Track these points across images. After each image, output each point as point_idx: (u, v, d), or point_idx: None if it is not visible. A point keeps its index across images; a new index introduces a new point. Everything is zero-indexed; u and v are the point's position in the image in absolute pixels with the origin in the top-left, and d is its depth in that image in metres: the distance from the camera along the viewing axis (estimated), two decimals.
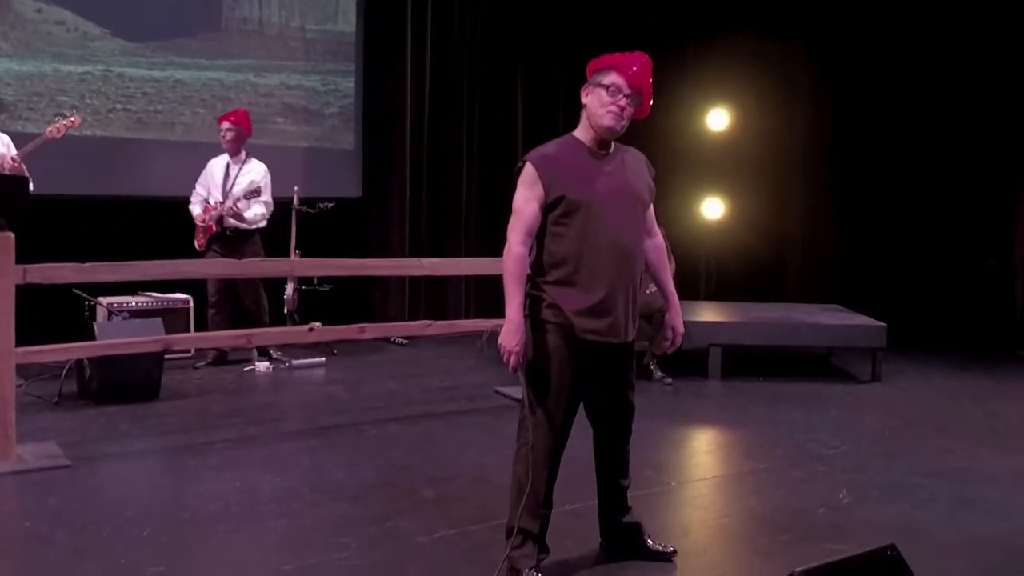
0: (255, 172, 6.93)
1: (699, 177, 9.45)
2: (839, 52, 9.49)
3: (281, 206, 7.54)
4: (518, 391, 5.86)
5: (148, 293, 7.06)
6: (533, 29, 8.84)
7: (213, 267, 5.19)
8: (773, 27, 9.22)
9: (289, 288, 7.49)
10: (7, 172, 5.89)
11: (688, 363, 7.15)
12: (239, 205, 6.72)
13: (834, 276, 9.60)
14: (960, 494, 4.48)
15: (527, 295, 3.30)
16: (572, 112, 9.16)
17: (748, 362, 7.38)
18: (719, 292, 9.58)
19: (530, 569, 3.28)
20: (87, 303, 6.78)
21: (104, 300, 6.84)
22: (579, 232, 3.23)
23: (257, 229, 6.93)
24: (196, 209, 6.90)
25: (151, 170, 7.41)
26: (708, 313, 7.58)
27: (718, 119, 9.37)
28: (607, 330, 3.27)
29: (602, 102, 3.25)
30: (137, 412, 5.65)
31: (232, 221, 6.78)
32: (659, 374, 6.83)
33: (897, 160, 9.51)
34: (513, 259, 3.26)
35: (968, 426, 5.83)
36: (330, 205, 7.77)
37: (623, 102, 3.26)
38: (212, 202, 6.86)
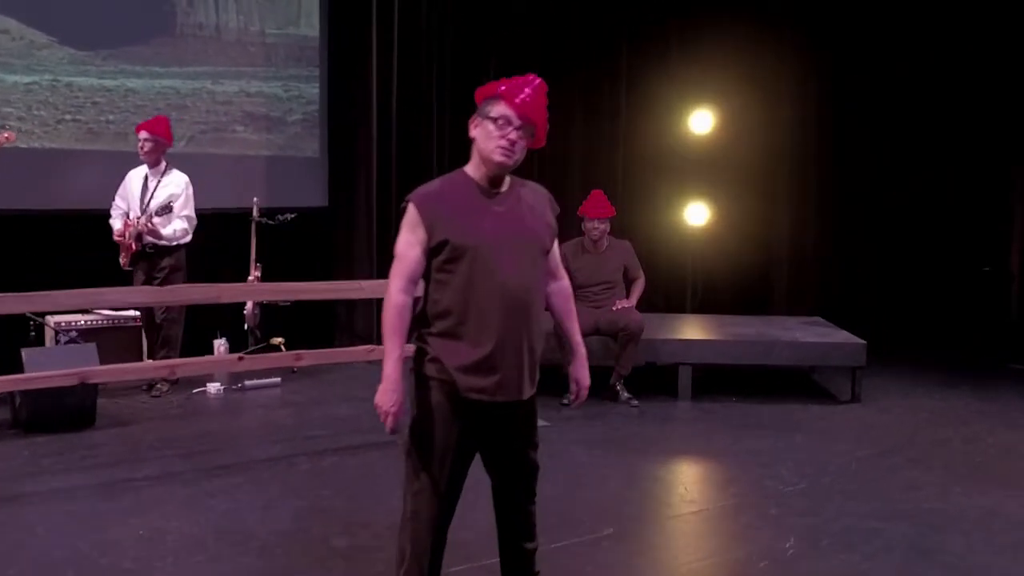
0: (174, 184, 6.56)
1: (681, 182, 9.10)
2: (831, 49, 9.12)
3: (241, 218, 7.29)
4: None
5: (100, 311, 6.81)
6: (505, 28, 8.51)
7: (134, 295, 4.92)
8: (761, 20, 8.85)
9: (249, 304, 7.23)
10: None
11: (659, 382, 6.85)
12: (155, 221, 6.39)
13: (822, 285, 9.26)
14: (919, 542, 4.15)
15: (416, 347, 3.01)
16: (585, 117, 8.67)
17: (724, 380, 7.06)
18: (703, 303, 9.25)
19: None
20: (32, 323, 6.56)
21: (52, 320, 6.61)
22: (464, 279, 2.92)
23: (180, 245, 6.61)
24: (117, 224, 6.52)
25: (104, 182, 7.13)
26: (680, 329, 7.26)
27: (702, 121, 9.01)
28: (494, 388, 2.95)
29: (490, 136, 2.93)
30: (66, 443, 5.40)
31: (151, 238, 6.47)
32: (625, 395, 6.52)
33: (891, 163, 9.14)
34: (391, 309, 2.95)
35: (944, 456, 5.49)
36: (291, 217, 7.50)
37: (513, 135, 2.94)
38: (132, 216, 6.49)
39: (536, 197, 3.13)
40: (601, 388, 6.54)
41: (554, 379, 6.55)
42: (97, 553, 3.90)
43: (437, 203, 2.96)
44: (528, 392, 3.03)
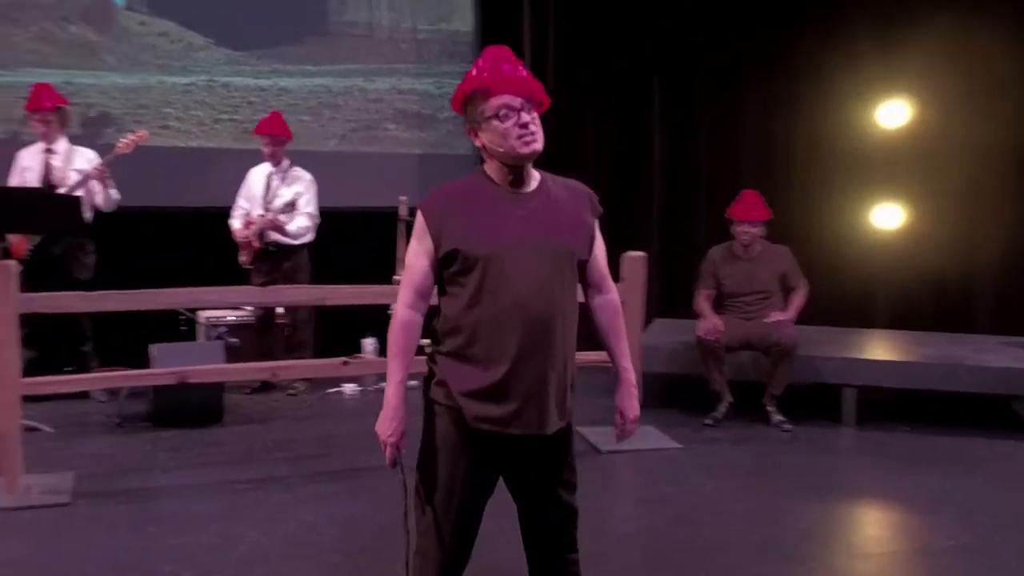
0: (299, 182, 6.52)
1: (867, 181, 8.18)
2: None
3: (388, 217, 7.17)
4: (598, 435, 5.14)
5: (247, 308, 6.86)
6: (668, 17, 7.96)
7: (234, 295, 4.83)
8: None
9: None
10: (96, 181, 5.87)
11: (819, 405, 6.12)
12: (281, 218, 6.33)
13: None
14: None
15: (427, 368, 2.64)
16: (713, 109, 8.15)
17: (898, 405, 6.23)
18: (892, 318, 8.27)
19: None
20: (183, 318, 6.70)
21: (203, 315, 6.72)
22: (474, 293, 2.51)
23: (303, 244, 6.52)
24: (236, 224, 6.48)
25: None
26: (846, 346, 6.44)
27: (894, 112, 8.05)
28: (508, 419, 2.52)
29: (503, 133, 2.50)
30: (187, 439, 5.42)
31: (274, 236, 6.40)
32: (777, 418, 5.86)
33: None
34: (394, 326, 2.61)
35: None
36: None
37: (525, 118, 2.51)
38: (255, 216, 6.45)
39: (572, 195, 2.68)
40: (752, 408, 5.92)
41: (697, 393, 6.03)
42: (163, 559, 3.78)
43: (447, 207, 2.57)
44: (554, 425, 2.58)
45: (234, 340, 6.63)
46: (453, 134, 7.86)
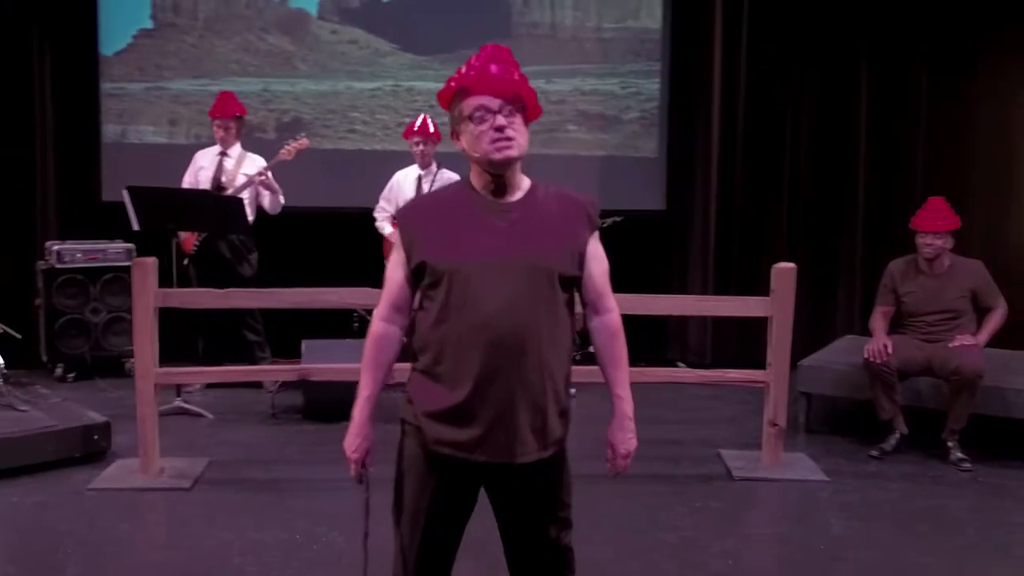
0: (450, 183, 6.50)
1: None
2: None
3: None
4: (737, 459, 4.76)
5: None
6: (876, 13, 7.24)
7: (351, 296, 4.88)
8: None
9: None
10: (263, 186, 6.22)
11: (1013, 443, 5.32)
12: None
13: None
14: None
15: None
16: (936, 104, 7.38)
17: None
18: None
19: None
20: (356, 315, 6.94)
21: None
22: (441, 309, 2.35)
23: None
24: (387, 228, 6.53)
25: None
26: None
27: None
28: (472, 444, 2.34)
29: (477, 136, 2.34)
30: (326, 434, 5.53)
31: None
32: (956, 455, 5.14)
33: None
34: (369, 340, 2.51)
35: None
36: (617, 220, 7.12)
37: (500, 121, 2.32)
38: None
39: (564, 207, 2.44)
40: (930, 442, 5.25)
41: (871, 420, 5.40)
42: (239, 553, 3.89)
43: (420, 218, 2.44)
44: (529, 454, 2.37)
45: (403, 338, 6.78)
46: (639, 135, 7.60)
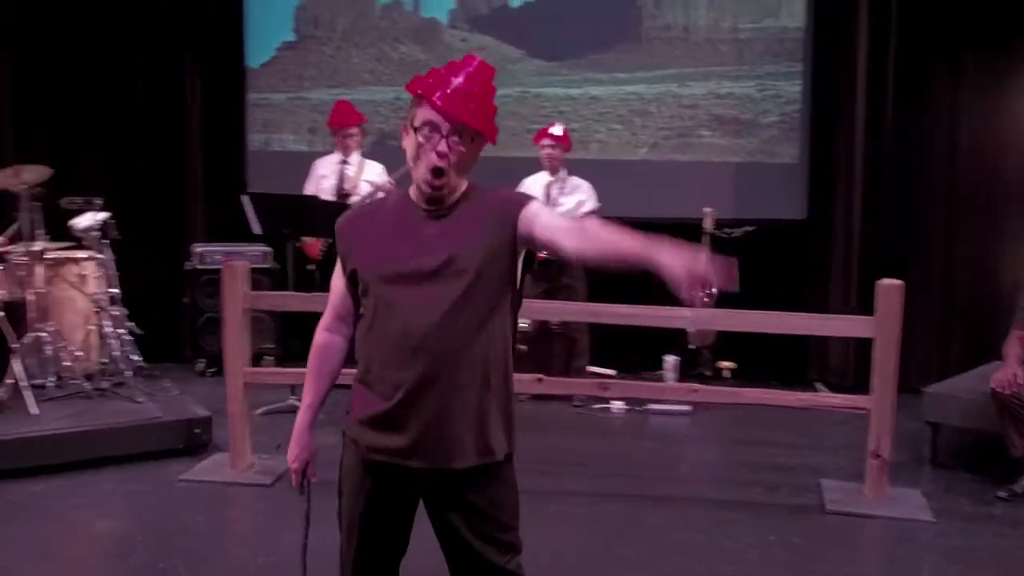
0: (581, 190, 6.36)
1: None
2: None
3: (692, 229, 6.80)
4: (833, 490, 4.45)
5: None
6: None
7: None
8: None
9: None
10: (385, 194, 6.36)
11: None
12: None
13: None
14: None
15: None
16: None
17: None
18: None
19: None
20: None
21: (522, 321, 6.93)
22: (371, 319, 2.33)
23: None
24: None
25: None
26: None
27: None
28: (406, 450, 2.29)
29: (418, 152, 2.26)
30: None
31: None
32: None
33: None
34: (312, 350, 2.52)
35: None
36: (749, 229, 6.83)
37: (442, 147, 2.22)
38: None
39: (491, 210, 2.33)
40: None
41: (999, 455, 4.85)
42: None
43: (357, 227, 2.41)
44: (467, 460, 2.29)
45: (521, 347, 6.77)
46: (777, 140, 7.21)
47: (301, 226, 6.10)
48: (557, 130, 6.41)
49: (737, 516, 4.44)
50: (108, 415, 5.17)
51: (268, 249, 7.02)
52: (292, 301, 5.07)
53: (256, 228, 6.15)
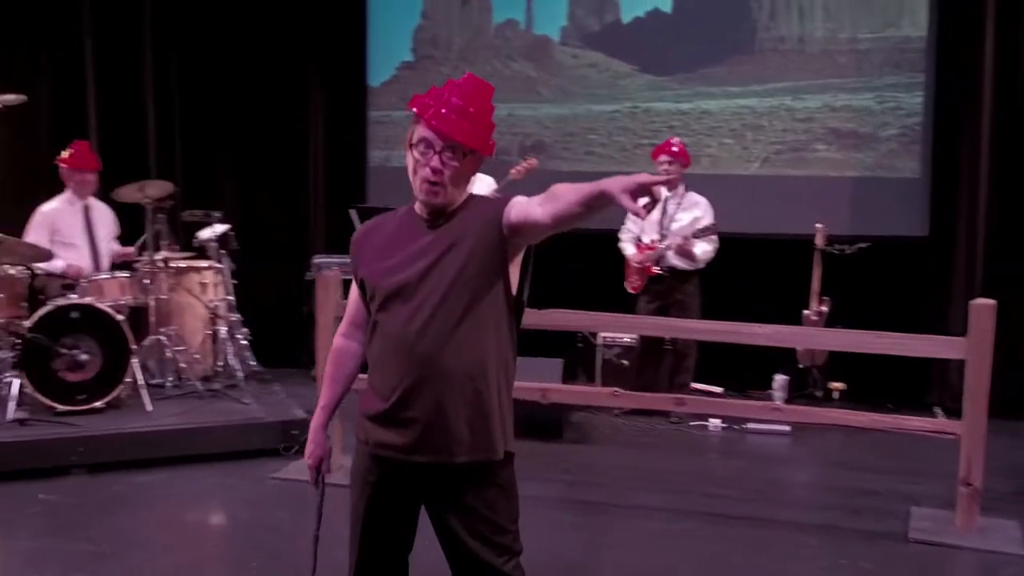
0: (698, 207, 6.29)
1: None
2: None
3: (802, 245, 6.64)
4: (922, 518, 4.29)
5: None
6: None
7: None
8: None
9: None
10: None
11: None
12: (689, 243, 6.14)
13: None
14: None
15: None
16: None
17: None
18: None
19: None
20: (579, 334, 7.01)
21: (602, 334, 6.94)
22: (375, 324, 2.47)
23: (696, 270, 6.28)
24: (630, 249, 6.45)
25: None
26: None
27: None
28: (409, 446, 2.40)
29: (414, 168, 2.40)
30: (533, 449, 5.62)
31: (674, 260, 6.24)
32: None
33: None
34: (330, 354, 2.69)
35: None
36: (863, 246, 6.61)
37: (436, 163, 2.34)
38: (646, 240, 6.38)
39: (481, 216, 2.41)
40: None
41: None
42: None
43: (366, 239, 2.55)
44: (465, 454, 2.39)
45: (624, 362, 6.78)
46: (897, 154, 6.94)
47: None
48: (676, 146, 6.36)
49: (811, 539, 4.31)
50: (214, 414, 5.52)
51: None
52: None
53: None
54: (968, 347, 4.27)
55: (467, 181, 2.44)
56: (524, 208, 2.33)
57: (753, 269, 6.95)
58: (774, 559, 4.11)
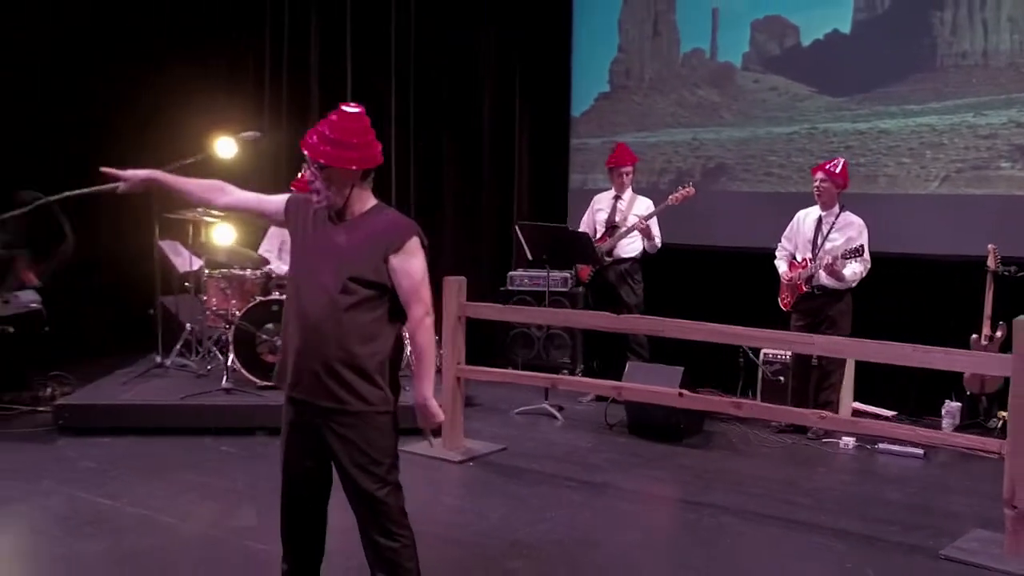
0: (852, 228, 6.24)
1: None
2: None
3: (975, 267, 6.39)
4: (972, 541, 4.41)
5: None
6: None
7: (591, 318, 5.25)
8: None
9: None
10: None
11: None
12: (839, 263, 6.15)
13: None
14: None
15: None
16: None
17: None
18: None
19: None
20: (742, 350, 7.19)
21: (763, 351, 7.07)
22: (289, 291, 3.26)
23: (848, 289, 6.24)
24: (783, 266, 6.52)
25: None
26: None
27: None
28: (293, 384, 3.14)
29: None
30: (639, 449, 6.06)
31: (824, 280, 6.27)
32: None
33: None
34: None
35: None
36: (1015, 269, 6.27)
37: (307, 174, 3.12)
38: (799, 258, 6.43)
39: (380, 229, 3.12)
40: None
41: None
42: (446, 518, 4.78)
43: (301, 210, 3.23)
44: (329, 399, 3.08)
45: (780, 378, 6.89)
46: None
47: (554, 254, 6.97)
48: (833, 165, 6.36)
49: (840, 545, 4.36)
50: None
51: (567, 275, 7.91)
52: (491, 311, 5.94)
53: (529, 255, 7.14)
54: (1014, 364, 4.12)
55: (345, 186, 3.09)
56: (404, 291, 3.09)
57: (922, 291, 6.77)
58: (784, 555, 4.25)
